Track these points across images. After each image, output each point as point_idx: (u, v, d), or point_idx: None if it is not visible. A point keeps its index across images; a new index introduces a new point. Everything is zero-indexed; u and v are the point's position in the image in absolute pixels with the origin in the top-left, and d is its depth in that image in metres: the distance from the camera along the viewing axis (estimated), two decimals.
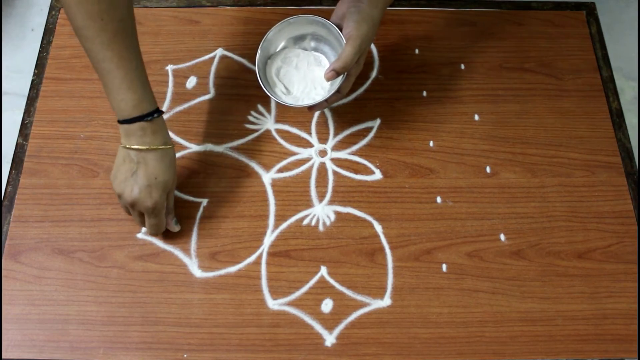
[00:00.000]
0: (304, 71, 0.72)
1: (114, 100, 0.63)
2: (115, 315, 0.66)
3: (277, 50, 0.73)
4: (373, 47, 0.84)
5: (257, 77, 0.70)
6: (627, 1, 1.63)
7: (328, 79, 0.68)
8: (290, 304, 0.68)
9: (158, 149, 0.64)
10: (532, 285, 0.69)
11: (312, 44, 0.73)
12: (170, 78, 0.81)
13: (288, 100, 0.71)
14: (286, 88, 0.72)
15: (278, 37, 0.72)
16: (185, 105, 0.79)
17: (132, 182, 0.64)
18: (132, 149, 0.64)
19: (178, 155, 0.76)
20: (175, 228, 0.70)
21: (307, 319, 0.67)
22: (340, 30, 0.68)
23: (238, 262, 0.70)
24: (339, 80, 0.69)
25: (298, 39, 0.73)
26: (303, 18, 0.71)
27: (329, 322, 0.67)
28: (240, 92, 0.80)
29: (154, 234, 0.69)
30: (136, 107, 0.63)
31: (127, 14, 0.62)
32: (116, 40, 0.61)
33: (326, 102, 0.70)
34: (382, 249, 0.71)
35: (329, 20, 0.69)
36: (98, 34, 0.60)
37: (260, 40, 0.70)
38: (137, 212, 0.67)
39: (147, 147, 0.64)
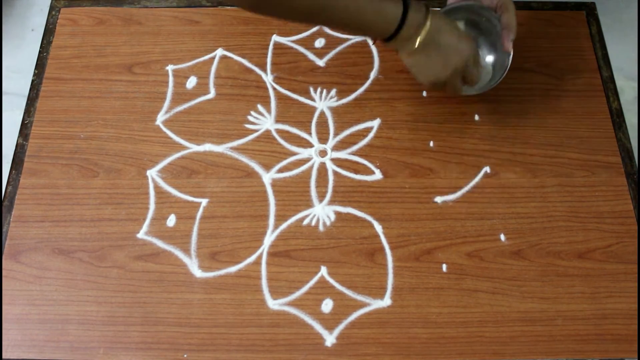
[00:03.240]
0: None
1: (377, 20, 0.64)
2: (115, 315, 0.67)
3: None
4: (373, 47, 0.84)
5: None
6: (627, 1, 1.63)
7: (508, 49, 0.72)
8: (290, 304, 0.68)
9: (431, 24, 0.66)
10: (532, 285, 0.69)
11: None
12: (171, 78, 0.81)
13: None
14: None
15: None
16: (185, 105, 0.79)
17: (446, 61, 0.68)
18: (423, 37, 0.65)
19: (178, 155, 0.76)
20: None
21: (307, 319, 0.67)
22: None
23: (238, 262, 0.70)
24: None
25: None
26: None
27: (329, 322, 0.67)
28: (240, 92, 0.80)
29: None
30: (396, 5, 0.63)
31: None
32: None
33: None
34: (382, 249, 0.71)
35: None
36: None
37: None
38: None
39: (427, 28, 0.65)
